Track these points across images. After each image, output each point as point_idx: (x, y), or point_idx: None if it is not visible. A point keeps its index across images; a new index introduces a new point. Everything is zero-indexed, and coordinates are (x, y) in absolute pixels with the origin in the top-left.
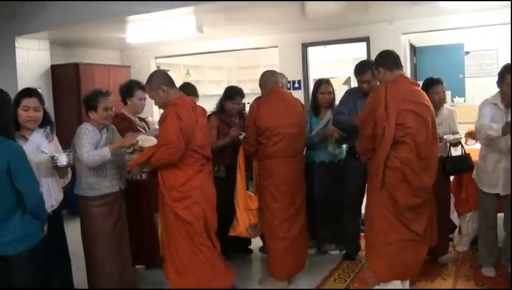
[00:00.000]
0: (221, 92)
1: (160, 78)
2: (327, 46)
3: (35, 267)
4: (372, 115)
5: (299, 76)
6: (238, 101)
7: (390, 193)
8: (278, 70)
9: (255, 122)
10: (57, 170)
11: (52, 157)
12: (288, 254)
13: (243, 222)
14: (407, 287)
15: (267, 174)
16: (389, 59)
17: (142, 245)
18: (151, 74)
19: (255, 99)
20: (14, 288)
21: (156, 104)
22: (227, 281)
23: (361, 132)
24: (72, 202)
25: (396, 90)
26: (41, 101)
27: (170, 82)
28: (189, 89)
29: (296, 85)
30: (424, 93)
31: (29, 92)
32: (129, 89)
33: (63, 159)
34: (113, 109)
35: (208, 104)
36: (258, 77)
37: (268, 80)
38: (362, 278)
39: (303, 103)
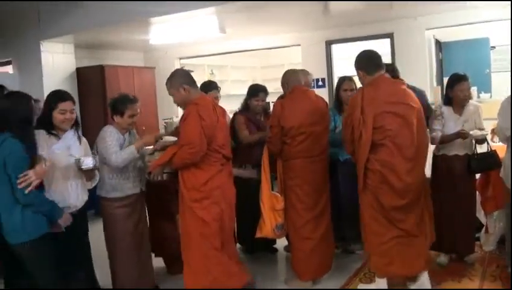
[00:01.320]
0: (245, 91)
1: (182, 77)
2: (351, 43)
3: (43, 260)
4: (350, 118)
5: (323, 74)
6: (262, 97)
7: (373, 194)
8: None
9: (279, 122)
10: (83, 172)
11: (78, 161)
12: (314, 254)
13: (269, 223)
14: (426, 278)
15: (291, 174)
16: (367, 62)
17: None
18: (173, 72)
19: (278, 98)
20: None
21: (175, 102)
22: (240, 281)
23: (342, 136)
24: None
25: (374, 93)
26: (74, 103)
27: (192, 81)
28: (210, 86)
29: (320, 83)
30: (409, 92)
31: (65, 96)
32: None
33: (89, 162)
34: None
35: (232, 103)
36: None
37: (291, 78)
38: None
39: (327, 100)
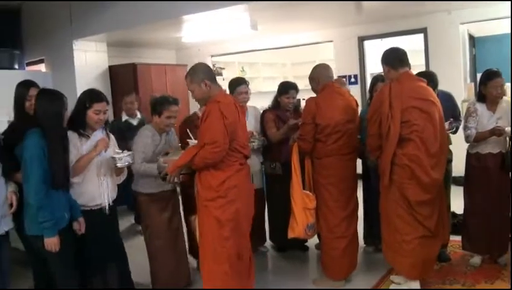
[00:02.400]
0: (275, 88)
1: (204, 72)
2: (383, 39)
3: (56, 254)
4: (377, 113)
5: (355, 70)
6: (293, 94)
7: (400, 190)
8: (334, 65)
9: (314, 120)
10: (115, 168)
11: (114, 159)
12: (347, 252)
13: (301, 222)
14: (418, 287)
15: (325, 173)
16: (394, 57)
17: None
18: (194, 66)
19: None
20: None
21: (194, 97)
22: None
23: (368, 131)
24: (131, 198)
25: (401, 88)
26: (108, 103)
27: (213, 77)
28: (238, 82)
29: (353, 80)
30: (430, 90)
31: (100, 97)
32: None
33: (124, 161)
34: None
35: (263, 100)
36: None
37: (322, 74)
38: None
39: (359, 98)
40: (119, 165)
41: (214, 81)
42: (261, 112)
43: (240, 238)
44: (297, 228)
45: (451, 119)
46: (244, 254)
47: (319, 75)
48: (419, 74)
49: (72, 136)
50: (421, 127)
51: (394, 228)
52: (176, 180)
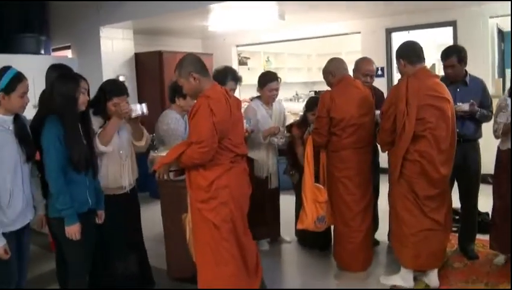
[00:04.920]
0: (300, 79)
1: (192, 64)
2: (411, 31)
3: (77, 244)
4: (392, 109)
5: (382, 63)
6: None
7: (408, 184)
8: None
9: (329, 113)
10: (131, 124)
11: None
12: (364, 245)
13: (310, 215)
14: (435, 276)
15: (341, 166)
16: (411, 52)
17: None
18: (182, 58)
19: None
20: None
21: (185, 92)
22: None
23: (382, 125)
24: (153, 185)
25: (417, 85)
26: (128, 95)
27: (203, 69)
28: (268, 77)
29: (380, 72)
30: (444, 86)
31: (121, 91)
32: (224, 77)
33: (139, 109)
34: None
35: (287, 92)
36: None
37: (338, 67)
38: (445, 276)
39: (385, 90)
40: (133, 115)
41: (204, 73)
42: (285, 103)
43: (240, 238)
44: (306, 220)
45: (472, 100)
46: (247, 251)
47: (334, 68)
48: (449, 48)
49: (97, 120)
50: (434, 124)
51: (402, 220)
52: (165, 177)
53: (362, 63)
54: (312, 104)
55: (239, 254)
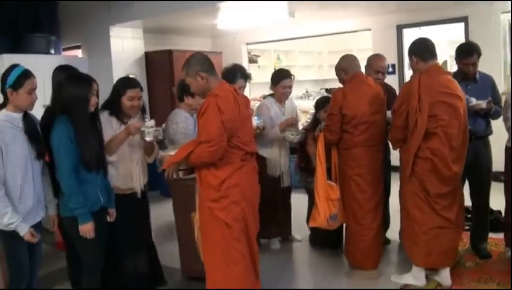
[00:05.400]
0: (311, 77)
1: (199, 63)
2: (422, 27)
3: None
4: (404, 106)
5: (393, 60)
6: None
7: (420, 182)
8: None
9: (341, 110)
10: (145, 144)
11: (143, 132)
12: (375, 243)
13: (323, 213)
14: (447, 274)
15: (352, 164)
16: (424, 49)
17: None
18: (189, 57)
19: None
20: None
21: (192, 91)
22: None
23: (393, 122)
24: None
25: (430, 82)
26: (142, 90)
27: (210, 68)
28: (282, 75)
29: (390, 70)
30: (456, 83)
31: (133, 83)
32: (233, 75)
33: (152, 135)
34: None
35: (298, 89)
36: None
37: (351, 64)
38: (457, 275)
39: (398, 89)
40: (147, 139)
41: (211, 72)
42: (296, 101)
43: (251, 237)
44: (319, 218)
45: (490, 98)
46: (255, 250)
47: (347, 65)
48: (469, 46)
49: (110, 119)
50: (446, 122)
51: (413, 218)
52: (174, 176)
53: (374, 60)
54: (323, 102)
55: (249, 253)
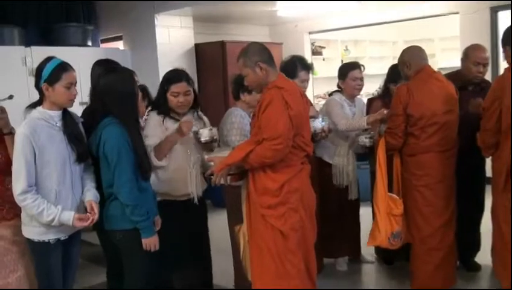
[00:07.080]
0: (384, 70)
1: (259, 53)
2: None
3: (134, 252)
4: (496, 104)
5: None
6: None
7: None
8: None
9: (406, 110)
10: (201, 145)
11: (197, 132)
12: (442, 267)
13: (384, 230)
14: None
15: (419, 172)
16: None
17: None
18: (247, 46)
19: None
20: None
21: (247, 84)
22: None
23: (483, 124)
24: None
25: None
26: (191, 83)
27: (270, 59)
28: (350, 66)
29: None
30: None
31: (178, 77)
32: (293, 67)
33: (206, 135)
34: None
35: (370, 85)
36: (431, 52)
37: (414, 56)
38: None
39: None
40: (202, 139)
41: (271, 63)
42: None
43: (308, 252)
44: (379, 236)
45: None
46: (311, 268)
47: (411, 58)
48: None
49: (159, 119)
50: None
51: (506, 237)
52: (222, 181)
53: (473, 50)
54: (398, 74)
55: (305, 268)
